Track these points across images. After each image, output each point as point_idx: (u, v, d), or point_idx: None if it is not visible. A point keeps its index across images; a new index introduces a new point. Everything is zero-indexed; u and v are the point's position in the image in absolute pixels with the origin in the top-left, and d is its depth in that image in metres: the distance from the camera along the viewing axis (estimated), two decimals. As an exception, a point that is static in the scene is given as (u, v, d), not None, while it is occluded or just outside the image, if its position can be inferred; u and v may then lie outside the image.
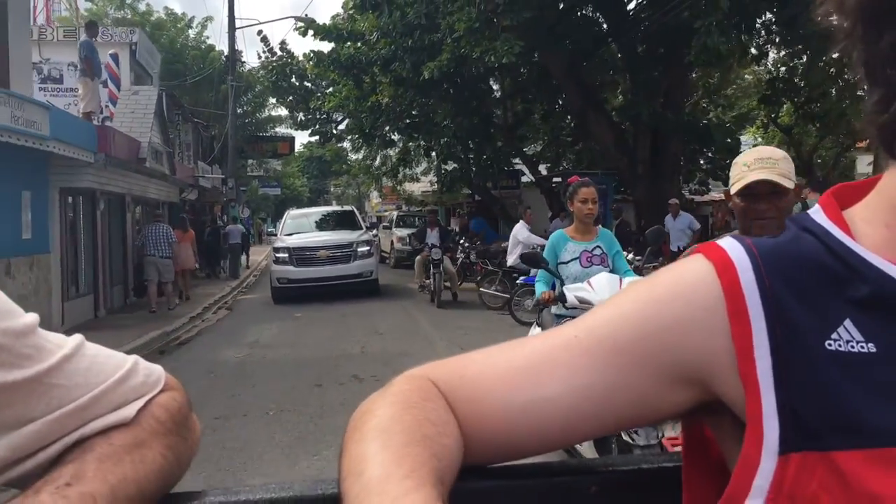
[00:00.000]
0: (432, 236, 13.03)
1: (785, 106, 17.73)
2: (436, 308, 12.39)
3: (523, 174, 19.95)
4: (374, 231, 21.92)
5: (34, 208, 10.22)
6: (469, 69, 12.83)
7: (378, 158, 25.28)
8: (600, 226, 4.47)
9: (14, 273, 9.70)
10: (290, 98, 21.63)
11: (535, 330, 4.48)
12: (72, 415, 0.59)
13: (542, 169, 19.71)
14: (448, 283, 12.91)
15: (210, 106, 25.61)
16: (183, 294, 14.31)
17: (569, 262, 4.24)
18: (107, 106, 13.38)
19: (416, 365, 0.66)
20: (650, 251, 4.93)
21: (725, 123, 17.59)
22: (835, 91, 15.84)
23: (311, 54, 17.32)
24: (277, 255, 14.91)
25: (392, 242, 22.41)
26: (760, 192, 2.08)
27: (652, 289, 0.60)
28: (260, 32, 25.07)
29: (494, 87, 18.39)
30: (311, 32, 15.93)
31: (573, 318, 2.58)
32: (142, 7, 28.23)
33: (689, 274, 0.59)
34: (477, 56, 11.55)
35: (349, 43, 15.43)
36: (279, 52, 21.14)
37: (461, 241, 15.43)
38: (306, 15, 21.72)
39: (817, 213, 0.59)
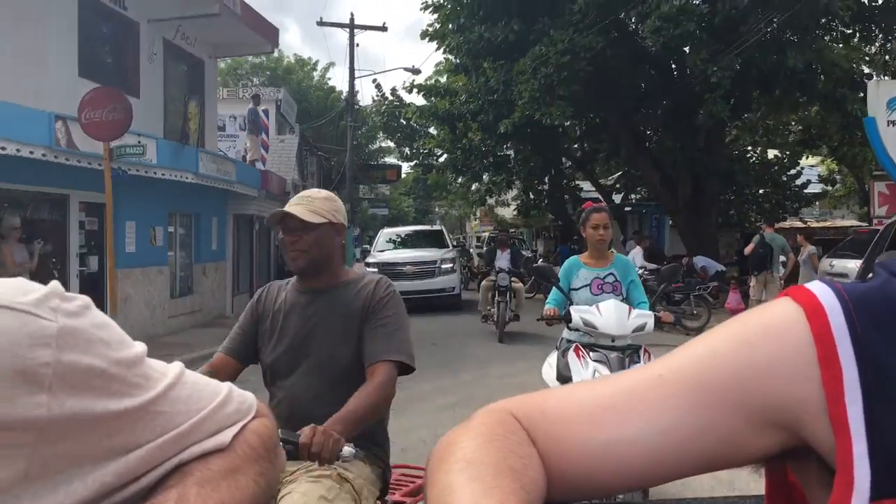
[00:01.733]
0: (502, 259, 12.29)
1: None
2: (496, 343, 11.17)
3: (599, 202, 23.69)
4: (463, 249, 25.54)
5: (218, 229, 14.99)
6: (538, 123, 16.81)
7: (473, 186, 29.55)
8: (614, 251, 4.35)
9: (207, 273, 14.43)
10: (398, 135, 26.15)
11: (553, 356, 4.34)
12: (174, 441, 0.63)
13: (617, 198, 23.31)
14: (514, 308, 11.79)
15: (331, 139, 30.58)
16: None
17: (580, 288, 4.14)
18: (263, 156, 18.22)
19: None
20: (663, 288, 4.59)
21: (769, 160, 20.72)
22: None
23: (415, 107, 21.69)
24: (369, 269, 15.66)
25: (478, 262, 26.61)
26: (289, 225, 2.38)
27: (741, 331, 0.60)
28: (374, 80, 29.71)
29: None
30: (415, 90, 20.36)
31: (580, 342, 3.86)
32: (275, 54, 33.73)
33: (779, 317, 0.59)
34: (537, 118, 15.52)
35: (444, 98, 19.73)
36: (390, 97, 25.75)
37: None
38: (414, 66, 26.31)
39: None
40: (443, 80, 21.22)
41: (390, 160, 36.18)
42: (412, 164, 26.45)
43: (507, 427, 0.61)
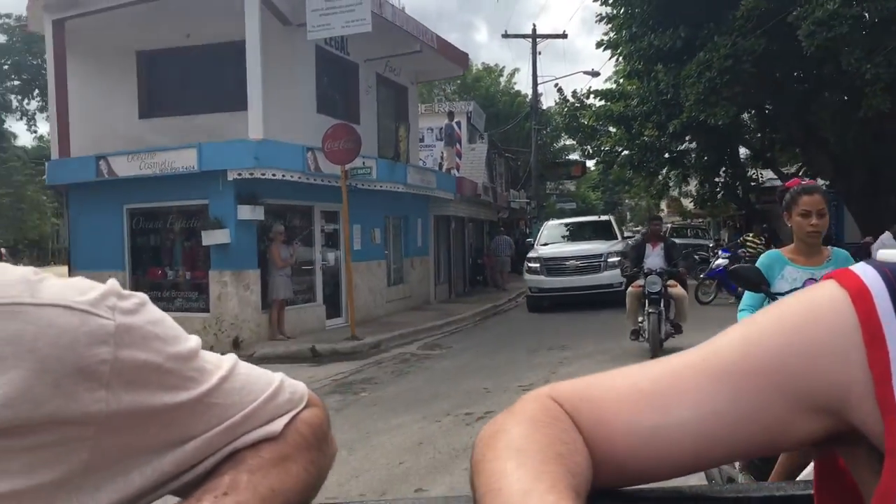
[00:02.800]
0: (653, 256, 9.57)
1: None
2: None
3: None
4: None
5: (422, 229, 18.04)
6: (704, 123, 18.35)
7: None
8: (832, 246, 3.62)
9: (414, 266, 17.53)
10: (579, 135, 28.26)
11: None
12: (227, 431, 0.66)
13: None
14: (673, 318, 9.44)
15: (517, 140, 33.22)
16: (501, 284, 21.68)
17: (786, 292, 3.27)
18: (457, 163, 21.17)
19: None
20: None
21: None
22: None
23: (592, 110, 23.73)
24: (530, 264, 16.13)
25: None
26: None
27: (785, 314, 0.61)
28: (556, 85, 32.09)
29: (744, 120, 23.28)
30: (592, 95, 22.46)
31: None
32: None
33: (824, 300, 0.59)
34: (703, 118, 17.12)
35: (619, 101, 21.65)
36: (571, 99, 27.90)
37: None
38: (593, 69, 28.27)
39: None
40: (618, 84, 23.10)
41: (574, 157, 38.26)
42: (595, 160, 28.45)
43: (552, 413, 0.62)
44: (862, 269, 0.59)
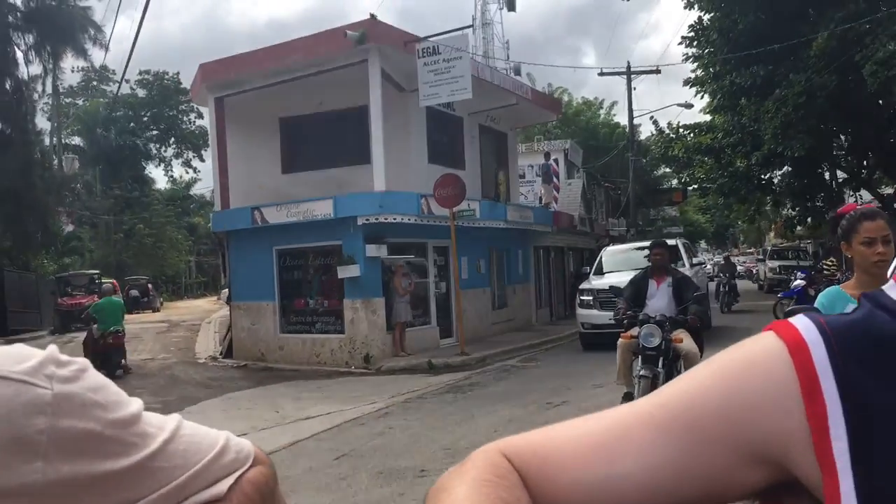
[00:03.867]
0: (657, 296, 7.41)
1: None
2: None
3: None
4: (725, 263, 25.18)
5: (523, 259, 20.45)
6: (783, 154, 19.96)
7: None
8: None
9: (516, 292, 19.93)
10: (675, 164, 30.00)
11: None
12: (171, 494, 0.66)
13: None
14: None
15: (617, 171, 35.18)
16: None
17: None
18: (555, 196, 23.49)
19: None
20: None
21: None
22: None
23: (682, 144, 25.55)
24: (581, 297, 14.64)
25: (765, 272, 29.48)
26: None
27: (725, 366, 0.62)
28: (652, 118, 33.79)
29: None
30: (681, 129, 24.37)
31: None
32: (565, 98, 39.29)
33: (762, 353, 0.61)
34: (780, 150, 18.82)
35: (706, 134, 23.48)
36: (666, 130, 29.73)
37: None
38: (686, 101, 30.05)
39: (893, 289, 0.62)
40: (709, 115, 24.91)
41: (675, 183, 39.73)
42: (691, 188, 30.07)
43: (498, 470, 0.63)
44: (801, 322, 0.61)
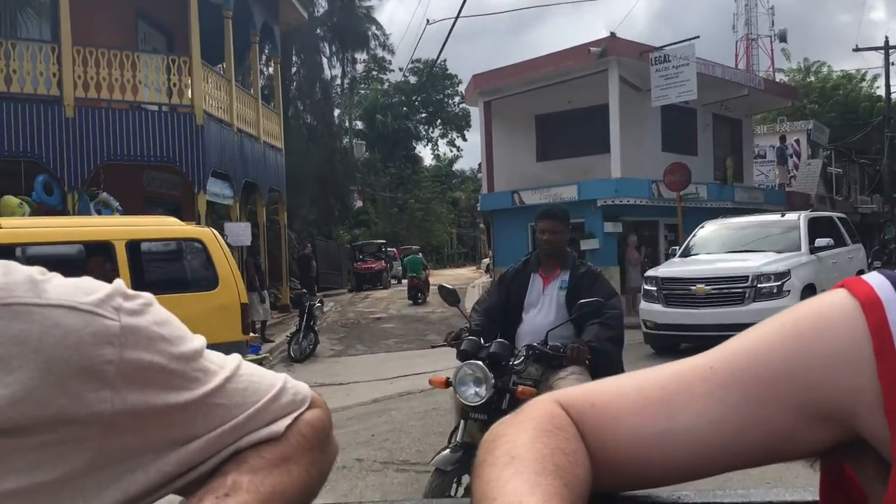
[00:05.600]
0: (540, 307, 4.32)
1: None
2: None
3: None
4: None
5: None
6: None
7: None
8: None
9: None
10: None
11: None
12: (231, 431, 0.69)
13: None
14: None
15: (877, 145, 35.06)
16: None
17: None
18: (792, 176, 25.17)
19: None
20: None
21: None
22: None
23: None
24: (646, 286, 11.56)
25: None
26: None
27: (795, 322, 0.62)
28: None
29: None
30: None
31: None
32: (823, 71, 39.31)
33: (833, 309, 0.60)
34: None
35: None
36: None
37: None
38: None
39: None
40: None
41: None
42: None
43: (556, 421, 0.63)
44: (875, 279, 0.60)
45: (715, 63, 19.50)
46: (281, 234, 20.27)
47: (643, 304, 11.49)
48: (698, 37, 17.10)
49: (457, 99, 59.52)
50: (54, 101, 12.92)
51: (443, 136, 63.81)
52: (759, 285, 10.13)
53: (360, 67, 55.87)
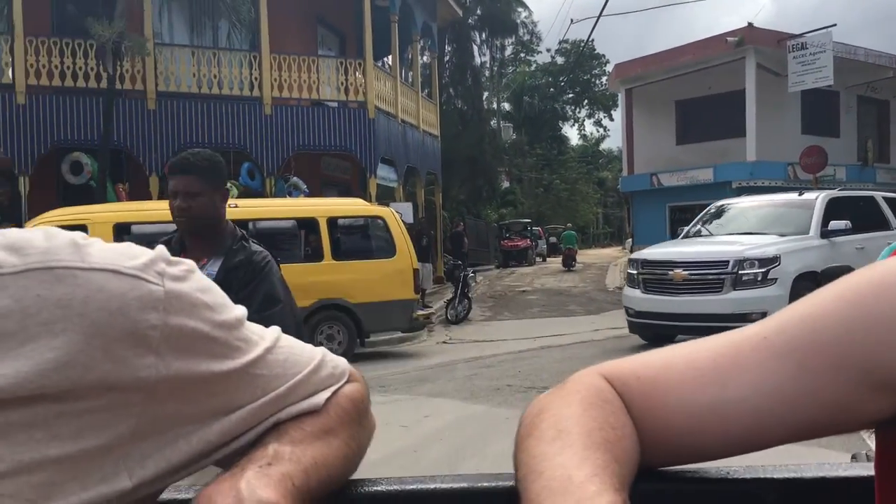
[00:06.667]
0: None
1: None
2: None
3: None
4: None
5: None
6: None
7: None
8: None
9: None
10: None
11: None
12: (272, 402, 0.69)
13: None
14: None
15: None
16: None
17: None
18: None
19: None
20: None
21: None
22: None
23: None
24: (629, 269, 11.29)
25: None
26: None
27: (851, 288, 0.61)
28: None
29: None
30: None
31: None
32: None
33: (892, 274, 0.59)
34: None
35: None
36: None
37: None
38: None
39: None
40: None
41: None
42: None
43: (602, 395, 0.63)
44: None
45: (857, 46, 20.07)
46: (436, 214, 22.66)
47: (625, 289, 11.05)
48: (835, 24, 17.91)
49: (604, 79, 60.10)
50: (255, 100, 15.73)
51: (589, 116, 64.57)
52: (740, 272, 9.32)
53: (508, 50, 58.14)
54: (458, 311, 15.67)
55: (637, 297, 10.30)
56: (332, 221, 10.88)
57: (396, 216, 11.23)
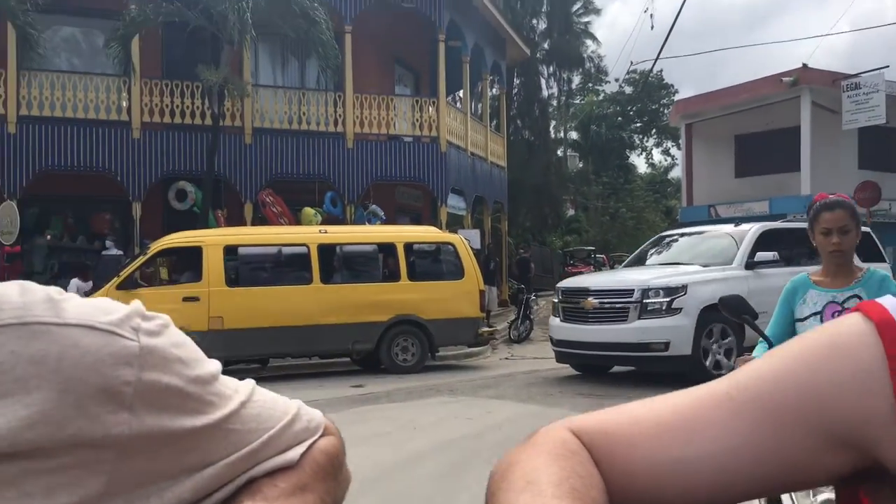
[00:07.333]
0: None
1: None
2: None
3: None
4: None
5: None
6: None
7: None
8: (870, 266, 3.32)
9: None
10: None
11: None
12: (245, 458, 0.68)
13: None
14: None
15: None
16: None
17: (807, 317, 3.13)
18: None
19: None
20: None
21: None
22: None
23: None
24: (552, 299, 11.75)
25: None
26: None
27: (810, 347, 0.63)
28: None
29: None
30: None
31: None
32: None
33: (848, 333, 0.61)
34: None
35: None
36: None
37: None
38: None
39: None
40: None
41: None
42: None
43: (569, 447, 0.63)
44: (890, 302, 0.61)
45: (912, 84, 20.83)
46: (502, 240, 24.05)
47: (550, 318, 11.21)
48: (888, 66, 18.77)
49: (672, 108, 60.62)
50: (339, 136, 17.46)
51: (657, 144, 65.11)
52: (645, 301, 9.36)
53: (575, 81, 59.32)
54: (521, 332, 16.99)
55: (556, 326, 10.58)
56: (408, 246, 12.40)
57: (465, 242, 12.71)
